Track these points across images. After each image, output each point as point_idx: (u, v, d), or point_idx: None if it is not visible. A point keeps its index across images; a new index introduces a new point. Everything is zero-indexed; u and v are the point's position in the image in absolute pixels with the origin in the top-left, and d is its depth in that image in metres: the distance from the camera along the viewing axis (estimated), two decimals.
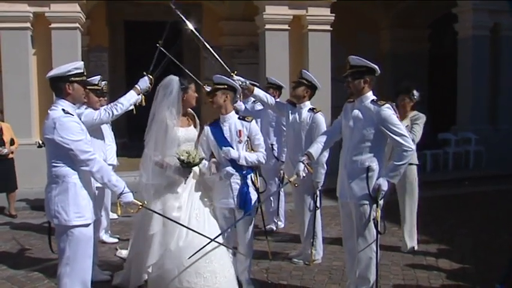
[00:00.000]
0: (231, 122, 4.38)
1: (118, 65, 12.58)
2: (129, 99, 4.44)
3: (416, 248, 5.59)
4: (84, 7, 9.20)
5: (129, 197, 3.70)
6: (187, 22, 5.05)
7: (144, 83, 4.54)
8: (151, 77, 4.62)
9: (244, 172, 4.33)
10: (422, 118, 5.52)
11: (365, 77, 3.94)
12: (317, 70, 8.78)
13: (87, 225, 3.59)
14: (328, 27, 10.00)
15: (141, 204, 3.78)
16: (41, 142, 8.29)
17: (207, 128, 4.41)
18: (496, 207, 7.86)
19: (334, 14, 9.94)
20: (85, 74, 3.69)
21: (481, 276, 4.86)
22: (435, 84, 13.54)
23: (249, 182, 4.34)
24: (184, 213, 4.13)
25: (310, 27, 9.92)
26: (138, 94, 4.50)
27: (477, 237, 6.18)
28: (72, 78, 3.55)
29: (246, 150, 4.38)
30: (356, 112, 3.98)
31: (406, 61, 13.36)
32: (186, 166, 4.06)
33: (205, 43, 5.07)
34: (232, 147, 4.31)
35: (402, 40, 13.75)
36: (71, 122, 3.48)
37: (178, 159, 4.03)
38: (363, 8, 13.30)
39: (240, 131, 4.35)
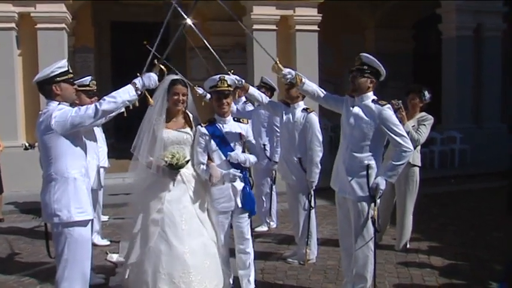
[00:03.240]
0: (231, 125, 4.29)
1: (104, 66, 12.47)
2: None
3: (408, 246, 5.65)
4: (70, 7, 9.09)
5: (144, 79, 3.58)
6: (186, 17, 4.99)
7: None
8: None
9: (243, 173, 4.27)
10: (430, 120, 5.56)
11: (372, 77, 3.98)
12: (305, 70, 8.76)
13: (86, 224, 3.55)
14: (315, 28, 10.05)
15: (158, 65, 3.76)
16: (27, 144, 8.19)
17: (203, 130, 4.22)
18: (482, 204, 7.98)
19: (321, 15, 10.00)
20: (70, 71, 3.61)
21: (473, 272, 4.94)
22: (420, 84, 13.68)
23: (248, 182, 4.31)
24: (169, 216, 4.00)
25: (297, 27, 9.95)
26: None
27: (466, 235, 6.27)
28: (58, 79, 3.49)
29: (244, 152, 4.33)
30: (357, 110, 4.00)
31: (391, 61, 13.37)
32: (171, 168, 3.98)
33: (204, 40, 5.07)
34: (233, 150, 4.24)
35: (387, 40, 13.89)
36: (66, 108, 3.50)
37: (163, 160, 3.95)
38: (348, 8, 13.39)
39: (240, 133, 4.28)
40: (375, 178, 3.92)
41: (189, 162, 4.14)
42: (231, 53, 12.46)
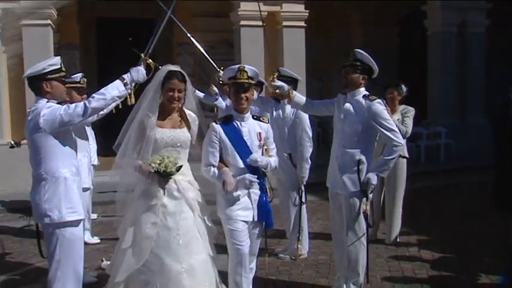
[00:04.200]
0: (250, 123, 3.76)
1: (90, 62, 12.34)
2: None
3: (398, 239, 5.72)
4: (55, 3, 8.97)
5: (132, 73, 3.47)
6: (175, 19, 4.97)
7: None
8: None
9: (261, 179, 3.75)
10: (412, 111, 5.73)
11: (364, 74, 4.00)
12: (292, 66, 8.78)
13: (78, 224, 3.48)
14: (302, 24, 10.07)
15: (145, 59, 3.57)
16: (13, 142, 8.07)
17: (218, 127, 3.68)
18: (469, 198, 8.09)
19: (308, 11, 10.02)
20: (63, 69, 3.53)
21: (462, 265, 5.01)
22: (405, 79, 13.81)
23: (266, 190, 3.80)
24: (163, 230, 3.48)
25: (284, 23, 9.97)
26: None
27: (454, 228, 6.36)
28: (49, 76, 3.42)
29: (262, 154, 3.79)
30: (348, 105, 4.03)
31: (377, 56, 13.49)
32: (159, 175, 3.47)
33: (192, 39, 5.03)
34: (252, 153, 3.71)
35: (373, 36, 13.95)
36: (55, 106, 3.41)
37: (150, 166, 3.44)
38: (335, 4, 13.43)
39: (260, 133, 3.77)
40: (367, 173, 3.95)
41: (186, 168, 3.67)
42: (217, 50, 12.42)
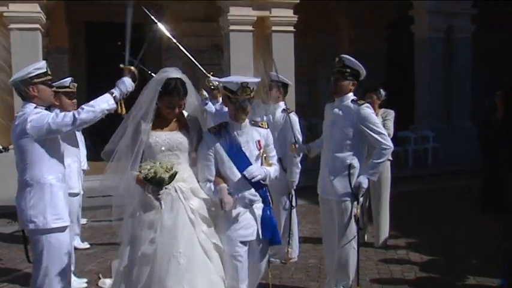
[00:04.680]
0: (247, 131, 3.42)
1: (79, 67, 12.30)
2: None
3: (388, 242, 5.77)
4: (44, 7, 8.93)
5: (120, 87, 3.38)
6: (159, 24, 4.97)
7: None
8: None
9: (262, 192, 3.43)
10: (391, 114, 5.82)
11: (353, 79, 4.06)
12: (281, 71, 8.77)
13: (64, 230, 3.45)
14: (291, 28, 10.11)
15: (126, 68, 3.42)
16: (1, 147, 8.00)
17: (211, 138, 3.35)
18: (456, 202, 8.18)
19: (297, 16, 10.09)
20: (49, 73, 3.52)
21: (449, 267, 5.07)
22: (393, 84, 13.96)
23: (269, 202, 3.50)
24: (161, 248, 3.09)
25: (274, 28, 10.01)
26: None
27: (442, 231, 6.44)
28: (35, 80, 3.40)
29: (262, 165, 3.46)
30: (336, 111, 4.08)
31: (365, 61, 13.64)
32: (149, 183, 3.08)
33: (177, 43, 5.04)
34: (251, 164, 3.37)
35: (361, 40, 14.08)
36: (43, 112, 3.39)
37: (140, 173, 3.10)
38: (323, 8, 13.53)
39: (259, 141, 3.44)
40: (357, 177, 3.99)
41: (189, 175, 3.31)
42: (207, 54, 12.46)
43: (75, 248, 5.69)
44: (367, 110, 3.99)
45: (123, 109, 3.47)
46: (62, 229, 3.44)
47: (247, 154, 3.38)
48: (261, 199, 3.41)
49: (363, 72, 4.09)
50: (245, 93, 3.31)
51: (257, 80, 3.50)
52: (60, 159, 3.55)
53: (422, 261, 5.27)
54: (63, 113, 3.41)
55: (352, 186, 3.97)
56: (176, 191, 3.20)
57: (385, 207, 5.79)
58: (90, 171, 6.56)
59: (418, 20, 11.80)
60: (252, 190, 3.36)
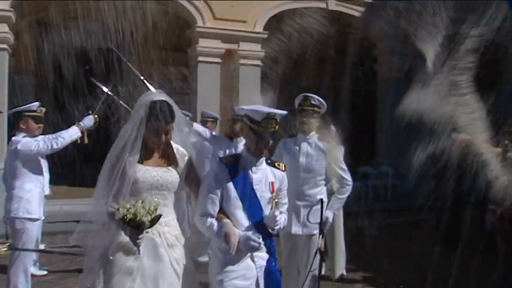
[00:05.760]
0: (263, 169, 2.99)
1: (44, 89, 12.16)
2: (71, 135, 4.71)
3: (345, 274, 5.89)
4: (14, 28, 8.91)
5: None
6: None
7: (89, 121, 4.86)
8: (96, 117, 4.93)
9: (269, 241, 3.00)
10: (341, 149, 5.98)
11: (320, 117, 4.26)
12: (247, 103, 9.03)
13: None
14: (258, 62, 10.40)
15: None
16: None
17: (223, 169, 2.91)
18: (413, 237, 8.39)
19: (264, 50, 10.36)
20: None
21: None
22: (355, 119, 14.37)
23: (275, 252, 3.08)
24: None
25: (241, 61, 10.26)
26: (82, 132, 4.79)
27: (399, 265, 6.60)
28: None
29: (271, 209, 2.97)
30: (306, 147, 4.21)
31: (329, 97, 14.06)
32: (127, 225, 2.62)
33: (139, 75, 5.32)
34: (261, 207, 2.95)
35: (325, 76, 14.47)
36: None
37: (118, 212, 2.65)
38: (290, 44, 13.88)
39: (272, 183, 3.00)
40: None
41: (174, 218, 2.91)
42: (175, 83, 12.55)
43: (33, 275, 5.60)
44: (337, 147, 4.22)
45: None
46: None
47: (258, 195, 2.94)
48: (265, 248, 2.94)
49: (325, 107, 4.29)
50: (269, 125, 2.93)
51: (284, 112, 3.06)
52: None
53: None
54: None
55: (321, 221, 4.04)
56: (160, 235, 2.79)
57: (340, 241, 5.92)
58: (65, 195, 6.53)
59: (381, 59, 12.32)
60: (256, 233, 2.87)
